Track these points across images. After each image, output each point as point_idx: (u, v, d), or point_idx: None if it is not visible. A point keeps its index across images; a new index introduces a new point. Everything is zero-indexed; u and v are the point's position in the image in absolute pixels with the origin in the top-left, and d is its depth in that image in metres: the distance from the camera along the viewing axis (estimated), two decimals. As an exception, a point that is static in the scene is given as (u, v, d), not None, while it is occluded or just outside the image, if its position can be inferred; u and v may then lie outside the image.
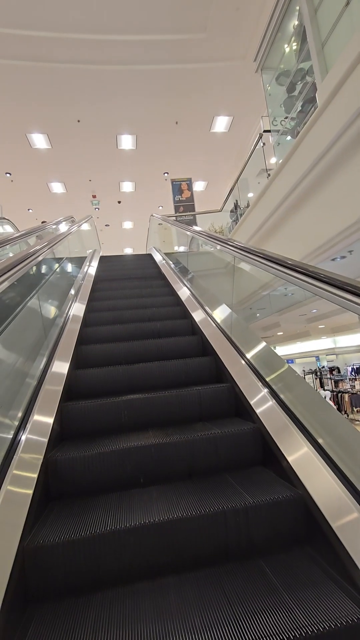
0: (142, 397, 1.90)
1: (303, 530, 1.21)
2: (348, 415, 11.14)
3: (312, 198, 3.82)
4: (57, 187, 11.14)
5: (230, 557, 1.17)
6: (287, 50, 4.87)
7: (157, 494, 1.36)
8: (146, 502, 1.30)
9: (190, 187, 8.92)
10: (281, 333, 11.49)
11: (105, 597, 1.04)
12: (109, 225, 13.89)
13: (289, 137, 4.95)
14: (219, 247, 3.03)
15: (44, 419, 1.63)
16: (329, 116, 3.29)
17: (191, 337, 2.65)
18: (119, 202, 12.24)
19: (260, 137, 5.41)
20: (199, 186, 11.26)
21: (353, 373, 13.18)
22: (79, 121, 8.26)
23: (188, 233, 4.76)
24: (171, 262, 5.05)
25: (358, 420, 10.99)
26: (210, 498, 1.28)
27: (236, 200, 8.09)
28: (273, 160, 7.12)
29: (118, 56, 6.72)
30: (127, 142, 9.15)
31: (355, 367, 13.59)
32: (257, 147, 5.73)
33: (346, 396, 11.58)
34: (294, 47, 4.65)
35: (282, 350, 14.31)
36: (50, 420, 1.64)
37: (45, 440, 1.50)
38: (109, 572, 1.11)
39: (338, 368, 14.51)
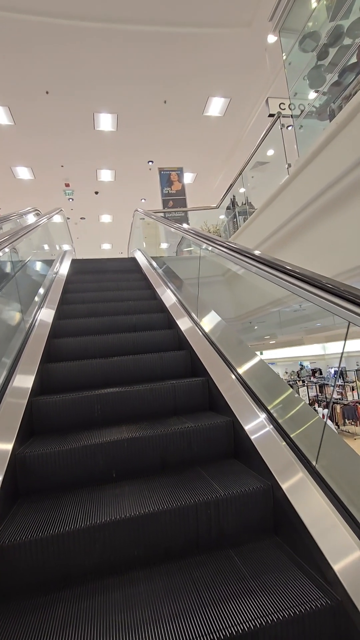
0: (116, 391, 1.88)
1: (272, 520, 1.26)
2: (339, 427, 10.74)
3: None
4: (22, 173, 9.61)
5: (201, 548, 1.20)
6: (316, 3, 3.78)
7: (130, 488, 1.37)
8: (118, 496, 1.30)
9: (181, 179, 7.73)
10: (273, 342, 10.67)
11: (74, 593, 1.05)
12: (84, 219, 12.45)
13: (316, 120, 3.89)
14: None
15: (13, 412, 1.60)
16: None
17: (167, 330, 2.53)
18: (96, 192, 10.85)
19: (279, 116, 4.31)
20: (187, 178, 10.07)
21: (335, 375, 12.89)
22: (47, 93, 6.85)
23: (190, 237, 3.64)
24: (160, 269, 3.94)
25: (349, 432, 10.51)
26: (182, 491, 1.29)
27: (233, 197, 7.02)
28: (270, 152, 6.07)
29: (95, 11, 5.40)
30: (106, 122, 7.81)
31: (336, 369, 13.45)
32: (269, 130, 4.63)
33: (338, 407, 11.15)
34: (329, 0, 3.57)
35: (268, 355, 13.81)
36: (19, 414, 1.60)
37: (14, 435, 1.46)
38: (79, 567, 1.11)
39: (320, 370, 14.52)
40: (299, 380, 14.33)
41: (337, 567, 0.96)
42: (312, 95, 3.93)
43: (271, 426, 1.48)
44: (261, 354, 12.21)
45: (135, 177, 10.06)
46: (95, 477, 1.46)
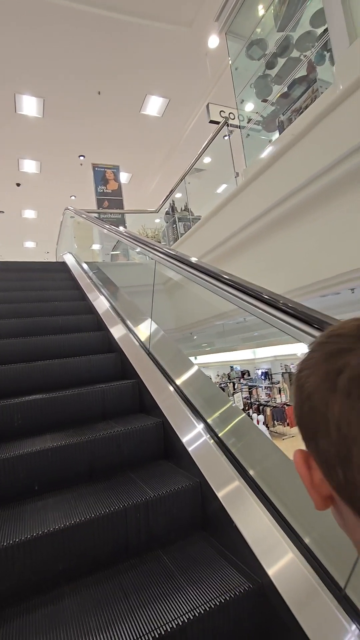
0: (40, 397, 1.78)
1: (200, 516, 1.29)
2: (269, 428, 11.25)
3: (318, 212, 2.68)
4: None
5: (131, 553, 1.18)
6: (264, 11, 3.68)
7: (54, 500, 1.32)
8: (41, 510, 1.24)
9: (117, 177, 7.18)
10: (209, 348, 10.71)
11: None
12: (3, 212, 11.01)
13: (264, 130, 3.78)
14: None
15: None
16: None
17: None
18: (18, 184, 9.64)
19: (226, 123, 4.12)
20: (122, 178, 9.55)
21: (263, 376, 13.66)
22: None
23: (128, 242, 3.21)
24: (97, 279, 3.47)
25: (277, 433, 11.06)
26: (110, 497, 1.26)
27: (172, 202, 6.75)
28: (207, 159, 5.97)
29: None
30: (30, 105, 6.89)
31: (263, 371, 14.25)
32: (215, 136, 4.43)
33: (268, 410, 11.69)
34: (276, 9, 3.48)
35: (201, 359, 14.05)
36: None
37: None
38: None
39: (248, 371, 15.30)
40: (229, 382, 14.86)
41: (257, 551, 1.02)
42: (259, 104, 3.82)
43: (201, 425, 1.51)
44: (195, 358, 12.30)
45: (64, 171, 9.17)
46: (17, 491, 1.37)
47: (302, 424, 0.34)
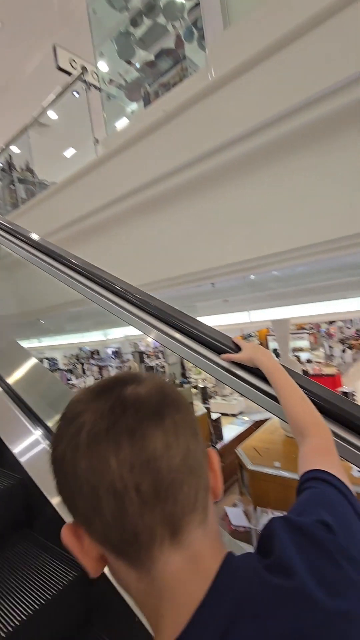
0: None
1: (23, 514, 1.22)
2: None
3: (188, 202, 2.56)
4: None
5: None
6: None
7: None
8: None
9: None
10: (57, 335, 9.72)
11: None
12: None
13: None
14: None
15: None
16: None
17: None
18: None
19: (82, 79, 3.45)
20: None
21: (114, 355, 13.76)
22: None
23: None
24: None
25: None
26: None
27: (10, 157, 5.51)
28: (54, 116, 5.18)
29: None
30: None
31: (114, 350, 14.43)
32: (67, 88, 3.70)
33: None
34: None
35: (47, 342, 12.87)
36: None
37: None
38: None
39: (98, 351, 15.16)
40: (77, 363, 14.38)
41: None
42: (122, 64, 3.36)
43: (16, 407, 1.42)
44: (39, 341, 11.07)
45: None
46: None
47: (63, 495, 0.37)
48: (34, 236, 2.03)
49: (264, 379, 0.84)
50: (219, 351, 0.95)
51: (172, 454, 0.34)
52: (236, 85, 1.97)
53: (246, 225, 2.23)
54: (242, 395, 0.88)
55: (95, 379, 12.15)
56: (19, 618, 0.83)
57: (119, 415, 0.34)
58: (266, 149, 1.99)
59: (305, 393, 0.74)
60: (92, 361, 14.28)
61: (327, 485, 0.46)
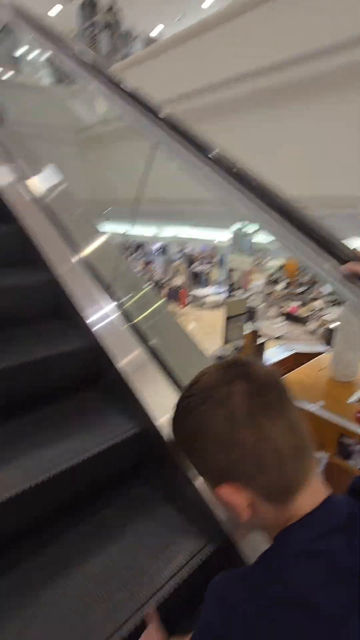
0: None
1: (95, 373, 1.30)
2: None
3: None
4: None
5: (17, 411, 1.15)
6: None
7: None
8: None
9: None
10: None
11: None
12: None
13: None
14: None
15: None
16: None
17: None
18: None
19: None
20: None
21: (159, 251, 13.85)
22: None
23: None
24: None
25: (172, 312, 11.66)
26: None
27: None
28: None
29: None
30: None
31: (160, 246, 14.12)
32: None
33: (165, 290, 11.78)
34: None
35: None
36: None
37: None
38: None
39: (143, 244, 15.01)
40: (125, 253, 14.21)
41: (144, 400, 1.12)
42: None
43: (92, 280, 1.43)
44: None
45: None
46: None
47: (216, 464, 0.45)
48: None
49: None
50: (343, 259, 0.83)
51: (301, 421, 0.46)
52: None
53: None
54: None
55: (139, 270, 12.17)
56: (84, 458, 0.98)
57: (265, 393, 0.45)
58: None
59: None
60: (136, 254, 14.21)
61: None
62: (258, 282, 10.05)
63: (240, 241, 4.58)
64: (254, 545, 0.89)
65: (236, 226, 4.30)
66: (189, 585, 0.86)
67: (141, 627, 0.74)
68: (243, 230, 4.20)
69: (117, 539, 0.93)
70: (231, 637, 0.41)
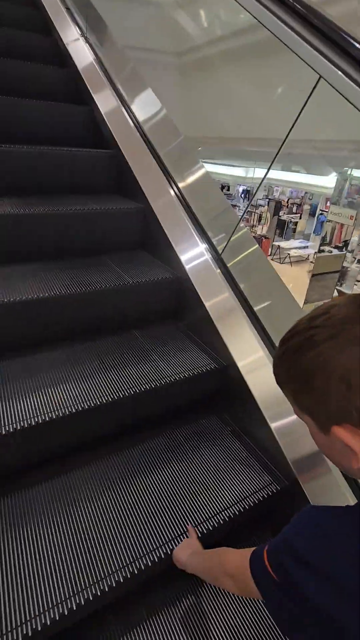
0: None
1: (174, 308, 1.42)
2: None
3: None
4: None
5: (104, 331, 1.29)
6: None
7: (22, 268, 1.30)
8: (7, 279, 1.23)
9: None
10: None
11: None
12: None
13: None
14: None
15: None
16: None
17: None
18: None
19: None
20: None
21: (243, 194, 12.92)
22: None
23: None
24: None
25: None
26: (85, 275, 1.29)
27: None
28: None
29: None
30: None
31: (245, 189, 12.83)
32: None
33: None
34: None
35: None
36: None
37: None
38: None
39: (229, 186, 14.04)
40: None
41: (227, 340, 1.16)
42: None
43: (186, 215, 1.42)
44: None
45: None
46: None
47: (341, 411, 0.41)
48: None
49: None
50: None
51: None
52: None
53: None
54: None
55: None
56: (153, 384, 1.09)
57: None
58: None
59: None
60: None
61: None
62: (355, 237, 8.92)
63: (343, 189, 4.05)
64: (321, 490, 0.93)
65: (342, 171, 3.77)
66: (247, 517, 0.95)
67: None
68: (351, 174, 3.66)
69: (188, 460, 1.07)
70: (315, 563, 0.41)
